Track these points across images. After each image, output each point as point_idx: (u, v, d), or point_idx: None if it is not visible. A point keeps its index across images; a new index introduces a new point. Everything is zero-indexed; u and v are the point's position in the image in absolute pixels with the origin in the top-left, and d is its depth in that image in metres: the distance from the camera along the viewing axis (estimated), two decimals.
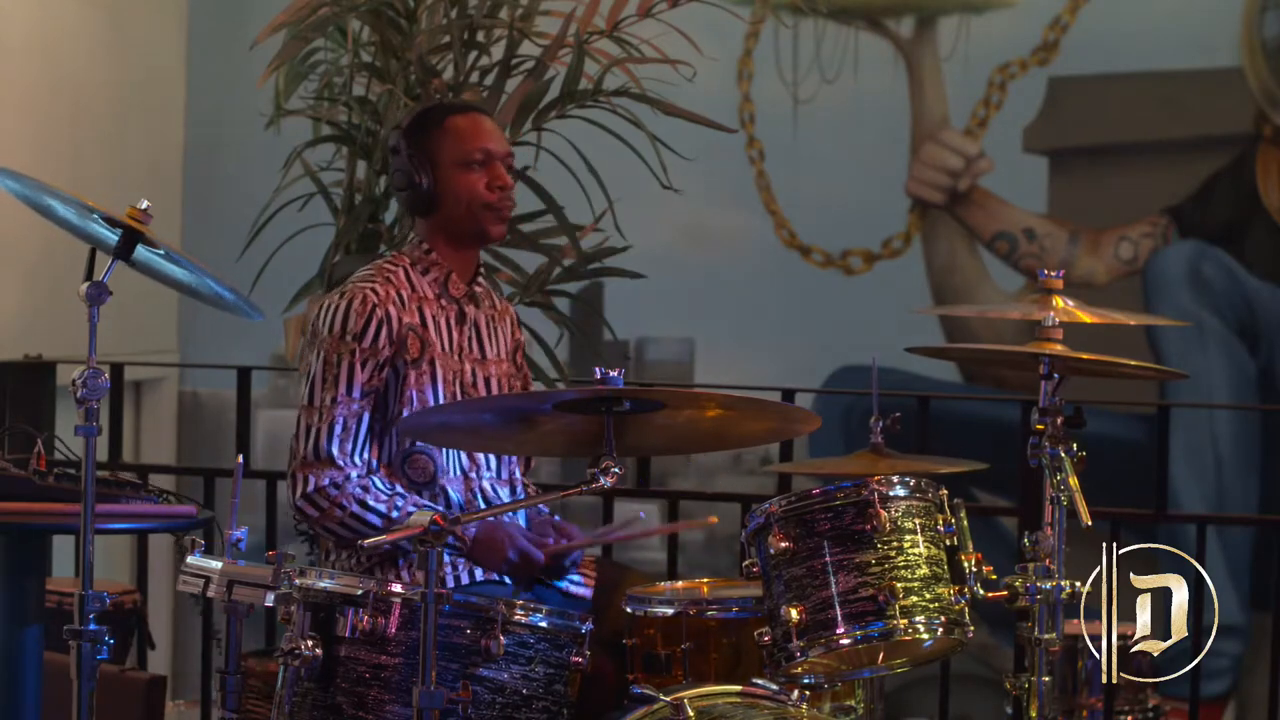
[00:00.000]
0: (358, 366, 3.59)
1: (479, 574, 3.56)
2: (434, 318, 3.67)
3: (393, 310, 3.61)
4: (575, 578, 3.70)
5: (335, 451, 3.56)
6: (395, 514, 3.51)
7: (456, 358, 3.69)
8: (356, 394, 3.58)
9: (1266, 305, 7.46)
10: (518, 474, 3.77)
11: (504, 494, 3.72)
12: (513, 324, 3.87)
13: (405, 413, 3.59)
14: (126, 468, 5.43)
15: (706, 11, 4.93)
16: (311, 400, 3.60)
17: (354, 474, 3.55)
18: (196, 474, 5.68)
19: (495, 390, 3.73)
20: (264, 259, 4.85)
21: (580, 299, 5.19)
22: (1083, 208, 7.65)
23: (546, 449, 3.62)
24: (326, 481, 3.55)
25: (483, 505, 3.65)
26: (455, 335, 3.70)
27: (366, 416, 3.58)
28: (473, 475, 3.67)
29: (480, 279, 3.80)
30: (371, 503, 3.53)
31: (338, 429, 3.57)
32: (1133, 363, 3.52)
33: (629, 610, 3.43)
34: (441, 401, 3.63)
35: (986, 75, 7.66)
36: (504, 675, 3.11)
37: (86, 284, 3.16)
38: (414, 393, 3.61)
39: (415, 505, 3.52)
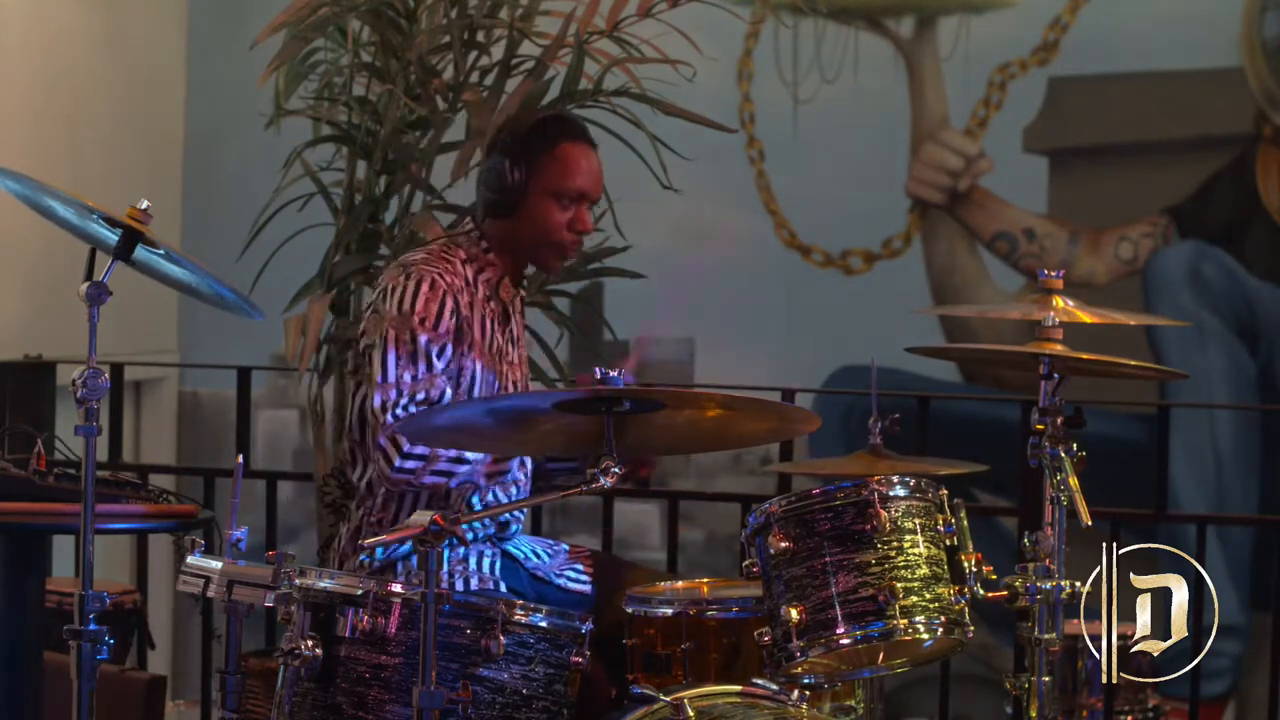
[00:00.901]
0: (434, 347, 3.56)
1: (474, 583, 3.56)
2: (482, 316, 3.67)
3: (458, 299, 3.61)
4: (572, 573, 3.70)
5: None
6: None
7: (495, 358, 3.68)
8: (438, 370, 3.55)
9: (1266, 305, 7.45)
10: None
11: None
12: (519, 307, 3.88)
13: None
14: (126, 468, 5.43)
15: (706, 11, 4.93)
16: (385, 378, 3.54)
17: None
18: (196, 474, 5.68)
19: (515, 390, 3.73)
20: (264, 259, 4.85)
21: (580, 299, 5.19)
22: (1083, 208, 7.65)
23: (546, 449, 3.62)
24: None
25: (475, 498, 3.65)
26: (498, 337, 3.70)
27: (449, 391, 3.57)
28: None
29: (524, 280, 3.82)
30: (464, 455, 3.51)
31: (420, 396, 3.54)
32: (1132, 363, 3.51)
33: (629, 610, 3.43)
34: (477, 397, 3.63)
35: (986, 75, 7.66)
36: (504, 675, 3.11)
37: (86, 284, 3.16)
38: (452, 386, 3.60)
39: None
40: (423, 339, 3.54)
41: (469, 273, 3.67)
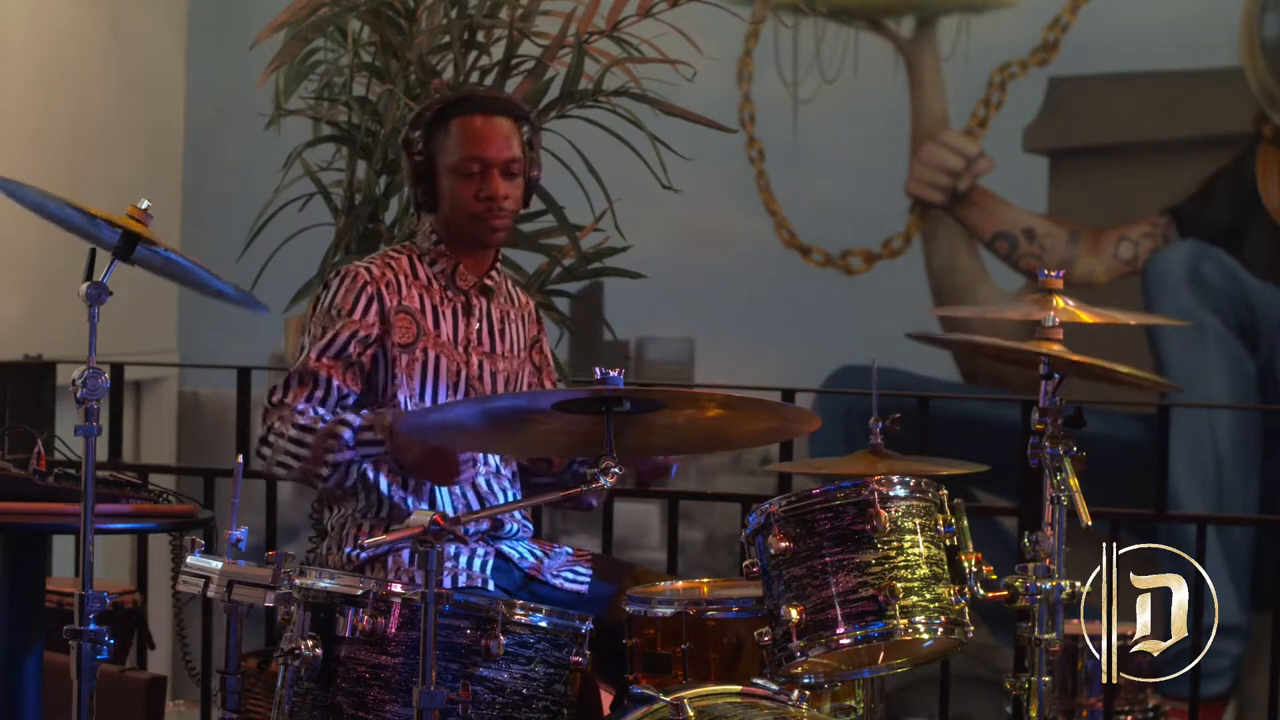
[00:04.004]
0: (342, 335, 3.58)
1: (462, 580, 3.55)
2: (434, 306, 3.66)
3: (385, 290, 3.61)
4: (570, 574, 3.69)
5: (289, 397, 3.56)
6: (322, 425, 3.48)
7: (462, 350, 3.67)
8: (330, 358, 3.57)
9: (1266, 305, 7.46)
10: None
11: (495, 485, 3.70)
12: (530, 318, 3.85)
13: (400, 397, 3.58)
14: (126, 468, 5.42)
15: (706, 11, 4.94)
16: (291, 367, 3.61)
17: (299, 404, 3.54)
18: (196, 474, 5.67)
19: (503, 387, 3.71)
20: (264, 259, 4.85)
21: (580, 299, 5.19)
22: (1083, 208, 7.65)
23: (546, 449, 3.61)
24: (275, 420, 3.55)
25: (473, 496, 3.64)
26: (461, 327, 3.68)
27: (335, 381, 3.57)
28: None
29: (495, 271, 3.77)
30: (303, 422, 3.51)
31: (295, 381, 3.58)
32: (1139, 374, 3.50)
33: (629, 610, 3.42)
34: (442, 391, 3.62)
35: (986, 75, 7.66)
36: (504, 675, 3.11)
37: (86, 284, 3.16)
38: (404, 377, 3.59)
39: (352, 417, 3.48)
40: (332, 331, 3.58)
41: (420, 268, 3.68)
